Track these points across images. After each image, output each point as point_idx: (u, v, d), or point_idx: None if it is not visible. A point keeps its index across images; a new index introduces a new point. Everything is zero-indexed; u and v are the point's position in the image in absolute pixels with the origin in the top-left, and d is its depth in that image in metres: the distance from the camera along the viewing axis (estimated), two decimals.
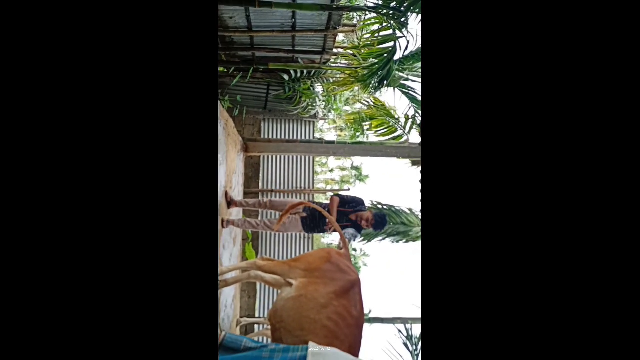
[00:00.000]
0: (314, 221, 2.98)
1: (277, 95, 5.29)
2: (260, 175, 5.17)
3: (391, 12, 3.57)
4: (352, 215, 2.94)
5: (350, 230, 2.88)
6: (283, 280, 1.87)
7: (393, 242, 4.82)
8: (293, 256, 4.75)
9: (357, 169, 12.02)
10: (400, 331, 4.09)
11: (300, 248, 5.07)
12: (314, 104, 5.22)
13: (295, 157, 5.27)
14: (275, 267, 1.98)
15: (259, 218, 4.70)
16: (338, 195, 3.07)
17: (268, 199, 3.28)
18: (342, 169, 12.26)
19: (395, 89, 4.59)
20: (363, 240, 4.84)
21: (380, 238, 4.82)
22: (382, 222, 2.97)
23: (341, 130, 9.71)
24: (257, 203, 3.28)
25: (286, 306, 1.61)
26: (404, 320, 4.37)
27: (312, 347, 1.26)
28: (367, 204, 3.47)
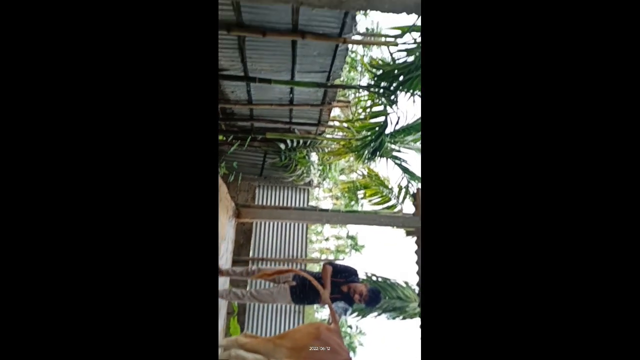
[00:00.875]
0: (304, 291, 2.79)
1: (274, 163, 5.42)
2: (252, 242, 5.04)
3: (382, 90, 3.84)
4: (344, 286, 2.76)
5: (341, 304, 2.68)
6: None
7: (389, 318, 4.50)
8: (282, 332, 4.38)
9: (352, 238, 11.82)
10: None
11: (290, 322, 4.71)
12: (309, 172, 5.32)
13: (288, 225, 5.20)
14: (259, 346, 1.82)
15: (247, 288, 4.45)
16: (330, 263, 2.93)
17: (257, 267, 3.13)
18: (338, 238, 12.05)
19: (388, 159, 4.73)
20: (357, 315, 4.52)
21: (376, 314, 4.51)
22: (377, 298, 2.79)
23: (337, 198, 9.77)
24: (245, 271, 3.12)
25: None
26: None
27: None
28: (362, 275, 3.31)
